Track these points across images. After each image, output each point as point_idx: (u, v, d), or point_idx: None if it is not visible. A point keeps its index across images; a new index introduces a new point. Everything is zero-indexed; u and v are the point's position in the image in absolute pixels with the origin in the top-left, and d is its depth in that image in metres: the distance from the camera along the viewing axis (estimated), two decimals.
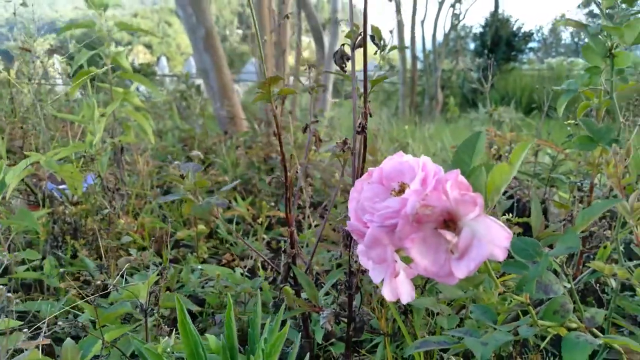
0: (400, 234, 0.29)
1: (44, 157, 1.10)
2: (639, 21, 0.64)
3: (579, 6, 27.38)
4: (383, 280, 0.34)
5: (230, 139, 2.13)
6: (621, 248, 0.83)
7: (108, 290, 0.89)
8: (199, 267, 0.90)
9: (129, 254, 1.20)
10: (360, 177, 0.36)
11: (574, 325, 0.42)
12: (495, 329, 0.42)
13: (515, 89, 8.94)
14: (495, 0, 8.81)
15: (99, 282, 0.82)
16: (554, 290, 0.40)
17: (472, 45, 9.45)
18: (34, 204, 1.24)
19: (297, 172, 1.35)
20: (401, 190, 0.33)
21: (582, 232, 0.95)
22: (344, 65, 0.70)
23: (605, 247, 0.81)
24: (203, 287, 0.90)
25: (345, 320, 0.61)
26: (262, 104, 3.21)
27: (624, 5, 0.68)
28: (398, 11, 7.47)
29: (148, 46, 22.65)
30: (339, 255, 0.64)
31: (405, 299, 0.33)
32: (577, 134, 1.10)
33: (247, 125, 3.47)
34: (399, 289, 0.33)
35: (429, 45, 8.17)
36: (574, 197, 1.06)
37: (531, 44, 9.51)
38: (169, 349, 0.51)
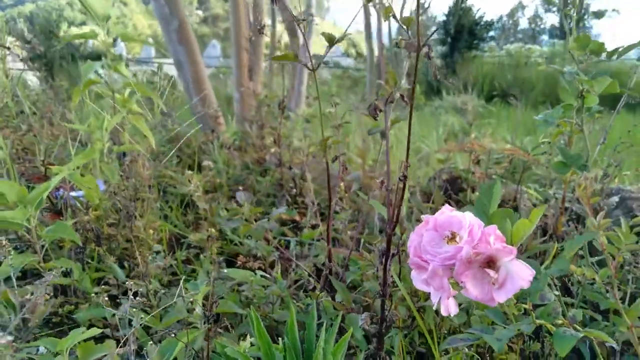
0: (457, 271, 0.43)
1: (68, 171, 1.17)
2: (606, 79, 0.79)
3: None
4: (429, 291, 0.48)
5: (217, 138, 2.21)
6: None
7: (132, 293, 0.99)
8: (225, 271, 1.00)
9: (145, 257, 1.29)
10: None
11: (560, 322, 0.58)
12: (504, 327, 0.56)
13: (477, 76, 9.29)
14: None
15: (142, 289, 0.91)
16: (548, 297, 0.55)
17: (435, 34, 9.69)
18: (54, 213, 1.29)
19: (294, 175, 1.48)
20: (452, 237, 0.47)
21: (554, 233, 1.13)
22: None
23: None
24: (234, 291, 1.02)
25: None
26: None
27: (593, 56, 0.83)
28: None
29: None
30: (376, 269, 0.77)
31: (453, 312, 0.47)
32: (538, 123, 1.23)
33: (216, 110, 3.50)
34: (450, 306, 0.47)
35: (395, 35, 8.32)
36: (547, 202, 1.23)
37: (492, 33, 9.84)
38: (246, 350, 0.62)
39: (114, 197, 1.45)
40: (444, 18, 9.29)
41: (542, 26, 33.15)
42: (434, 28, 9.81)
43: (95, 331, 0.70)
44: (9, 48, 2.42)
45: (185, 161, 2.11)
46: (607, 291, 0.82)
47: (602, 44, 0.87)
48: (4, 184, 0.97)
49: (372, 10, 7.83)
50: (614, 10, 30.91)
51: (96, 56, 8.76)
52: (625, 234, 0.85)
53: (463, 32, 9.09)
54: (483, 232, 0.44)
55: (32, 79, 8.44)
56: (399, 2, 8.05)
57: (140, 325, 0.89)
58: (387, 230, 0.68)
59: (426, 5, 8.48)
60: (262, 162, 1.80)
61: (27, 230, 1.02)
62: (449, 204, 1.50)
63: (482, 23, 9.18)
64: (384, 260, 0.67)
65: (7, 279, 0.96)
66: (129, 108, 1.68)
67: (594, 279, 0.82)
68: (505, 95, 9.48)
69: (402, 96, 0.88)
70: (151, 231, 1.29)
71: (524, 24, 33.96)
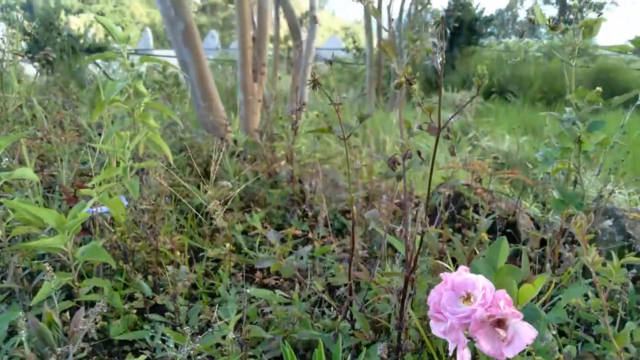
0: (472, 329, 0.51)
1: (98, 196, 1.24)
2: (601, 134, 0.87)
3: None
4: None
5: (227, 146, 2.28)
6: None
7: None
8: (248, 290, 1.09)
9: (166, 271, 1.38)
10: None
11: (557, 358, 0.66)
12: None
13: (476, 72, 9.29)
14: None
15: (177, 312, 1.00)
16: (546, 338, 0.64)
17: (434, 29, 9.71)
18: (82, 229, 1.37)
19: (308, 188, 1.56)
20: (468, 298, 0.55)
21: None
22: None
23: (569, 273, 1.07)
24: (259, 313, 1.10)
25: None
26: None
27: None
28: None
29: (101, 14, 21.48)
30: (394, 306, 0.86)
31: None
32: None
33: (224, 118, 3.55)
34: (464, 356, 0.55)
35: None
36: (545, 227, 1.31)
37: (491, 29, 9.87)
38: None
39: (135, 212, 1.53)
40: (444, 13, 9.30)
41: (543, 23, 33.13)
42: (432, 22, 9.81)
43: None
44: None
45: (196, 170, 2.18)
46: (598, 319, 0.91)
47: (599, 93, 0.95)
48: (44, 211, 1.05)
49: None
50: (612, 2, 30.96)
51: (95, 49, 8.74)
52: (616, 268, 0.94)
53: (462, 27, 9.13)
54: (494, 296, 0.52)
55: (31, 71, 8.42)
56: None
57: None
58: (405, 274, 0.76)
59: (425, 1, 8.51)
60: (273, 174, 1.88)
61: (63, 252, 1.10)
62: (453, 228, 1.59)
63: (482, 19, 9.21)
64: (401, 298, 0.75)
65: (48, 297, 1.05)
66: (147, 123, 1.75)
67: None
68: (504, 91, 9.57)
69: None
70: (173, 247, 1.37)
71: (522, 15, 33.87)
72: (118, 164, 1.73)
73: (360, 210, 1.56)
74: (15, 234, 1.14)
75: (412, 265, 0.76)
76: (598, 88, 0.99)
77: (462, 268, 0.59)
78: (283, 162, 1.85)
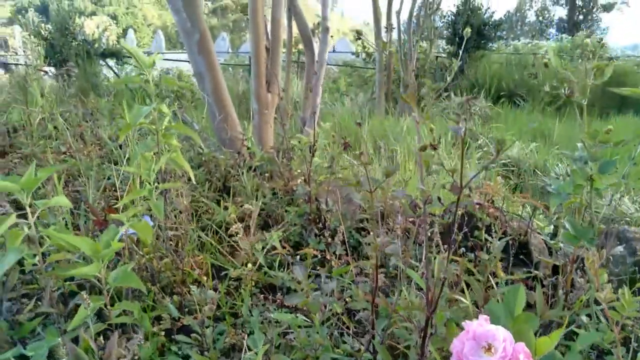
0: None
1: (127, 219, 1.31)
2: (614, 174, 0.92)
3: None
4: None
5: (243, 161, 2.34)
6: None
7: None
8: (272, 315, 1.14)
9: (191, 291, 1.44)
10: None
11: None
12: None
13: (484, 76, 9.32)
14: None
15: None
16: None
17: (444, 33, 9.72)
18: None
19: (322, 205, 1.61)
20: (489, 348, 0.60)
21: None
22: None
23: (581, 301, 1.11)
24: (280, 334, 1.16)
25: None
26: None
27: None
28: (375, 1, 7.61)
29: (113, 17, 21.75)
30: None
31: None
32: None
33: (241, 132, 3.62)
34: None
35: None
36: (557, 253, 1.35)
37: (500, 33, 9.85)
38: None
39: (160, 231, 1.59)
40: (452, 18, 9.31)
41: (549, 19, 32.83)
42: (440, 24, 9.83)
43: None
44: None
45: (215, 184, 2.24)
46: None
47: (609, 133, 0.99)
48: (80, 240, 1.11)
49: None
50: (623, 2, 30.56)
51: (109, 53, 8.86)
52: (628, 302, 0.98)
53: (471, 32, 9.12)
54: (514, 349, 0.57)
55: (47, 76, 8.53)
56: (409, 4, 8.09)
57: None
58: (426, 313, 0.81)
59: (434, 8, 8.53)
60: (290, 191, 1.93)
61: (96, 277, 1.16)
62: (466, 247, 1.63)
63: (491, 23, 9.20)
64: (422, 336, 0.80)
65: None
66: (169, 142, 1.81)
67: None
68: (513, 95, 9.54)
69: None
70: (196, 267, 1.43)
71: (531, 17, 33.63)
72: (141, 181, 1.79)
73: (376, 227, 1.61)
74: (52, 260, 1.20)
75: (433, 305, 0.81)
76: (610, 127, 1.03)
77: (483, 318, 0.63)
78: (300, 180, 1.90)
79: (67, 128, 2.78)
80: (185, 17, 3.32)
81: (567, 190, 1.06)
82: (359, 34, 8.05)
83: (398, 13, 7.85)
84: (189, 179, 2.04)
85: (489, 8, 9.29)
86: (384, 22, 7.83)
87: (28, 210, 1.15)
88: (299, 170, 1.97)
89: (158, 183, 1.73)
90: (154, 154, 1.70)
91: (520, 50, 17.02)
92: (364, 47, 8.92)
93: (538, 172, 5.16)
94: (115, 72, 8.55)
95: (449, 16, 9.41)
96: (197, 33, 3.34)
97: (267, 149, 3.77)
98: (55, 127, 2.63)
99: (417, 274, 0.96)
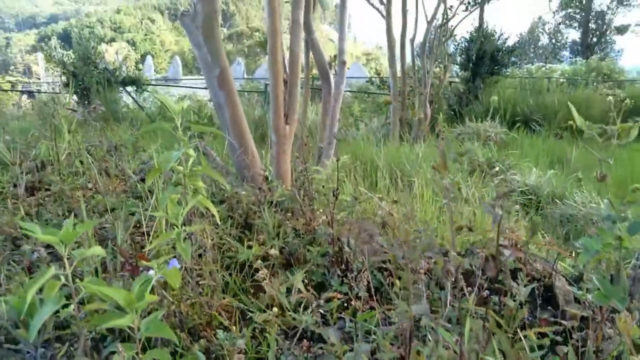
0: None
1: (158, 266, 1.34)
2: None
3: (555, 11, 28.18)
4: None
5: (264, 196, 2.38)
6: None
7: None
8: None
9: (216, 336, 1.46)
10: None
11: None
12: None
13: (499, 101, 9.33)
14: (480, 15, 9.16)
15: None
16: None
17: (457, 59, 9.80)
18: None
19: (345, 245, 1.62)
20: None
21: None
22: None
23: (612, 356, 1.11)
24: None
25: None
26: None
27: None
28: (389, 30, 7.73)
29: (132, 43, 22.40)
30: None
31: None
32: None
33: (262, 168, 3.68)
34: None
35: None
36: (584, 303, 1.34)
37: (514, 59, 9.89)
38: None
39: (185, 273, 1.62)
40: (466, 44, 9.40)
41: (562, 41, 32.84)
42: (454, 50, 9.91)
43: None
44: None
45: (237, 220, 2.27)
46: None
47: (636, 192, 1.00)
48: (115, 291, 1.14)
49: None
50: (637, 24, 30.51)
51: (129, 81, 9.11)
52: None
53: (485, 58, 9.18)
54: None
55: (70, 101, 8.75)
56: (422, 30, 8.20)
57: None
58: None
59: (448, 35, 8.63)
60: (312, 230, 1.95)
61: (129, 327, 1.19)
62: (489, 289, 1.62)
63: (504, 49, 9.25)
64: None
65: None
66: (196, 184, 1.86)
67: None
68: (528, 120, 9.50)
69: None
70: (221, 311, 1.45)
71: (544, 39, 33.73)
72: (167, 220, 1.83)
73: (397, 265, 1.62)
74: (87, 309, 1.23)
75: None
76: (637, 185, 1.04)
77: None
78: (322, 219, 1.92)
79: (92, 162, 2.86)
80: (206, 51, 3.41)
81: (595, 247, 1.07)
82: (379, 77, 8.12)
83: (412, 41, 7.96)
84: (213, 215, 2.08)
85: (502, 34, 9.36)
86: (397, 50, 7.94)
87: (66, 261, 1.19)
88: (320, 210, 2.00)
89: (184, 225, 1.77)
90: (181, 194, 1.74)
91: (534, 73, 17.05)
92: (377, 72, 9.03)
93: (557, 200, 5.10)
94: (134, 99, 8.77)
95: (462, 42, 9.50)
96: (218, 67, 3.43)
97: (286, 180, 3.82)
98: (81, 162, 2.71)
99: (448, 333, 0.97)
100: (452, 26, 8.39)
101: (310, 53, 4.29)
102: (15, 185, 2.41)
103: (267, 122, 10.09)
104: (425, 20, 8.16)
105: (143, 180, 2.88)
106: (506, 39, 9.56)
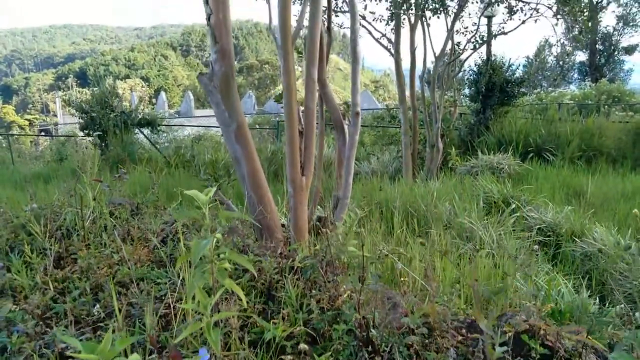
0: None
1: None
2: None
3: (562, 33, 28.39)
4: None
5: (286, 265, 2.40)
6: None
7: None
8: None
9: None
10: None
11: None
12: None
13: (510, 132, 9.32)
14: (487, 49, 9.27)
15: None
16: None
17: (467, 91, 9.88)
18: None
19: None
20: None
21: None
22: None
23: None
24: None
25: None
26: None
27: None
28: (398, 67, 7.88)
29: (145, 79, 23.01)
30: None
31: None
32: None
33: (279, 221, 3.72)
34: None
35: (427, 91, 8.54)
36: None
37: (523, 89, 9.94)
38: None
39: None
40: (475, 76, 9.48)
41: (570, 63, 32.90)
42: (464, 83, 10.00)
43: None
44: (100, 181, 2.73)
45: (259, 289, 2.29)
46: None
47: None
48: None
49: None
50: None
51: (145, 122, 9.34)
52: None
53: (494, 89, 9.25)
54: None
55: (87, 144, 9.02)
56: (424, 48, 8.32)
57: None
58: None
59: (457, 70, 8.74)
60: (337, 308, 1.97)
61: None
62: None
63: (514, 80, 9.32)
64: None
65: None
66: (223, 267, 1.90)
67: None
68: (541, 150, 9.46)
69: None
70: None
71: (551, 61, 33.83)
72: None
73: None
74: None
75: None
76: None
77: None
78: (347, 294, 1.94)
79: (116, 226, 2.92)
80: (223, 109, 3.49)
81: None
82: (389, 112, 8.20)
83: (421, 78, 8.07)
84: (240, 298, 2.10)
85: (510, 65, 9.45)
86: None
87: None
88: (343, 287, 2.02)
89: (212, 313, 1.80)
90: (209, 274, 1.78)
91: (543, 99, 17.07)
92: (388, 107, 9.13)
93: (575, 239, 5.04)
94: (151, 142, 8.96)
95: (471, 74, 9.60)
96: (235, 123, 3.51)
97: (303, 232, 3.85)
98: (105, 227, 2.77)
99: None
100: (460, 61, 8.50)
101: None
102: (42, 255, 2.47)
103: (279, 157, 10.21)
104: (433, 55, 8.30)
105: (164, 241, 2.93)
106: (515, 69, 9.64)
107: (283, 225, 3.96)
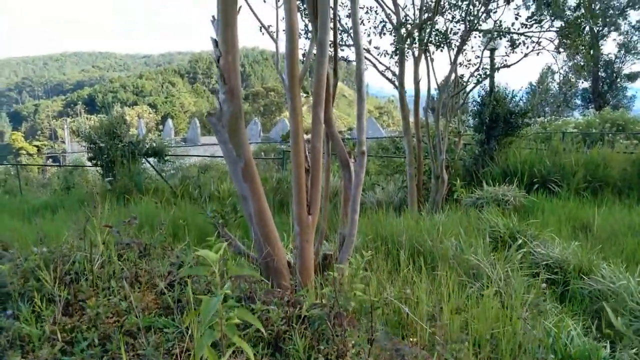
0: None
1: None
2: None
3: (564, 61, 28.71)
4: None
5: (294, 309, 2.40)
6: None
7: None
8: None
9: None
10: None
11: None
12: None
13: (515, 163, 9.33)
14: (490, 80, 9.39)
15: None
16: None
17: (471, 122, 9.97)
18: None
19: None
20: None
21: None
22: None
23: None
24: None
25: None
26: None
27: None
28: (402, 99, 7.99)
29: (153, 106, 23.34)
30: None
31: None
32: None
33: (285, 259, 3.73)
34: None
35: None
36: None
37: (527, 120, 10.00)
38: None
39: None
40: (479, 107, 9.58)
41: (573, 90, 33.12)
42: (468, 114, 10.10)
43: None
44: (111, 227, 2.75)
45: (266, 340, 2.28)
46: None
47: None
48: None
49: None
50: None
51: (152, 152, 9.45)
52: None
53: (498, 120, 9.32)
54: None
55: (94, 173, 9.06)
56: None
57: None
58: None
59: (461, 103, 8.85)
60: None
61: None
62: None
63: (517, 112, 9.40)
64: None
65: None
66: (231, 324, 1.90)
67: None
68: (546, 181, 9.45)
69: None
70: None
71: (554, 88, 34.11)
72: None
73: None
74: None
75: None
76: None
77: None
78: (355, 350, 1.93)
79: (123, 269, 2.93)
80: (231, 148, 3.54)
81: None
82: (393, 142, 8.28)
83: (425, 110, 8.17)
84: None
85: (514, 97, 9.55)
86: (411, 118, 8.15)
87: None
88: (352, 342, 2.01)
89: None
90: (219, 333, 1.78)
91: (547, 127, 17.14)
92: (392, 139, 9.21)
93: (583, 276, 4.98)
94: (158, 172, 9.04)
95: (475, 105, 9.70)
96: (242, 161, 3.56)
97: (309, 270, 3.84)
98: (114, 272, 2.78)
99: None
100: (464, 94, 8.61)
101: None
102: (50, 301, 2.48)
103: (285, 186, 10.25)
104: (437, 87, 8.42)
105: (172, 285, 2.93)
106: (518, 101, 9.74)
107: (289, 264, 3.96)
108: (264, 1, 5.91)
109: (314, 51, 4.05)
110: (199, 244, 6.58)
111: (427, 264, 4.84)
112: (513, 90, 9.80)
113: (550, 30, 7.86)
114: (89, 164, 8.94)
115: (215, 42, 3.60)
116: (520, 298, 3.97)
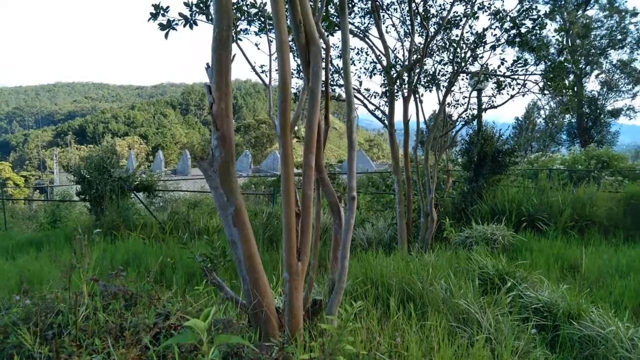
0: None
1: None
2: None
3: (549, 97, 29.46)
4: None
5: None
6: None
7: None
8: None
9: None
10: None
11: None
12: None
13: (503, 201, 9.43)
14: (478, 120, 9.59)
15: None
16: None
17: (459, 160, 10.11)
18: None
19: None
20: None
21: None
22: None
23: None
24: None
25: None
26: None
27: None
28: (392, 139, 8.11)
29: (144, 136, 23.36)
30: None
31: None
32: None
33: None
34: None
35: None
36: None
37: (514, 159, 10.17)
38: None
39: None
40: (467, 146, 9.74)
41: (558, 125, 33.89)
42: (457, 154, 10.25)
43: None
44: (98, 280, 2.71)
45: None
46: None
47: None
48: None
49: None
50: (629, 108, 31.69)
51: (142, 187, 9.40)
52: None
53: (486, 159, 9.47)
54: None
55: (83, 209, 8.93)
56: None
57: None
58: None
59: (449, 142, 9.00)
60: None
61: None
62: None
63: (504, 151, 9.58)
64: None
65: None
66: None
67: None
68: (534, 219, 9.53)
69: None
70: None
71: (540, 123, 34.93)
72: None
73: None
74: None
75: None
76: None
77: None
78: None
79: (108, 321, 2.87)
80: (222, 193, 3.55)
81: None
82: (383, 182, 8.37)
83: (415, 149, 8.28)
84: None
85: (501, 136, 9.74)
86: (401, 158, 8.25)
87: None
88: None
89: None
90: None
91: (534, 163, 17.44)
92: (383, 177, 9.28)
93: (572, 321, 4.97)
94: (147, 207, 8.96)
95: (463, 144, 9.86)
96: (232, 206, 3.55)
97: (298, 317, 3.79)
98: (98, 324, 2.73)
99: None
100: (453, 132, 8.77)
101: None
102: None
103: (275, 222, 10.19)
104: (426, 126, 8.57)
105: (157, 338, 2.87)
106: (505, 139, 9.93)
107: (277, 310, 3.91)
108: (258, 48, 6.05)
109: (305, 97, 4.12)
110: (187, 283, 6.46)
111: (417, 308, 4.80)
112: (500, 130, 10.02)
113: (535, 74, 8.11)
114: (77, 198, 8.84)
115: (209, 88, 3.66)
116: (511, 345, 3.95)
